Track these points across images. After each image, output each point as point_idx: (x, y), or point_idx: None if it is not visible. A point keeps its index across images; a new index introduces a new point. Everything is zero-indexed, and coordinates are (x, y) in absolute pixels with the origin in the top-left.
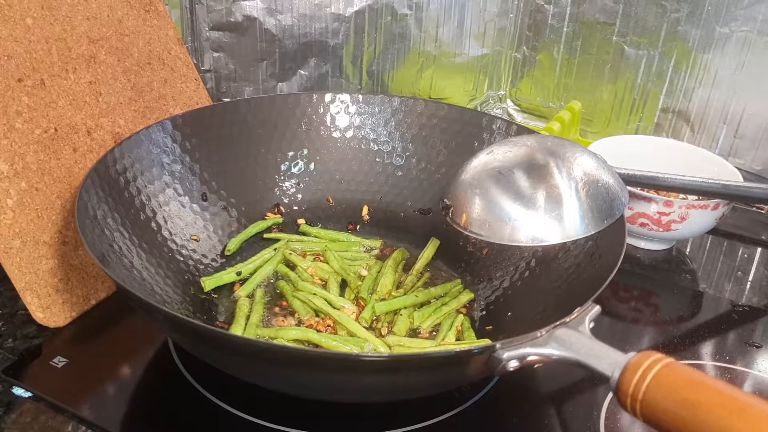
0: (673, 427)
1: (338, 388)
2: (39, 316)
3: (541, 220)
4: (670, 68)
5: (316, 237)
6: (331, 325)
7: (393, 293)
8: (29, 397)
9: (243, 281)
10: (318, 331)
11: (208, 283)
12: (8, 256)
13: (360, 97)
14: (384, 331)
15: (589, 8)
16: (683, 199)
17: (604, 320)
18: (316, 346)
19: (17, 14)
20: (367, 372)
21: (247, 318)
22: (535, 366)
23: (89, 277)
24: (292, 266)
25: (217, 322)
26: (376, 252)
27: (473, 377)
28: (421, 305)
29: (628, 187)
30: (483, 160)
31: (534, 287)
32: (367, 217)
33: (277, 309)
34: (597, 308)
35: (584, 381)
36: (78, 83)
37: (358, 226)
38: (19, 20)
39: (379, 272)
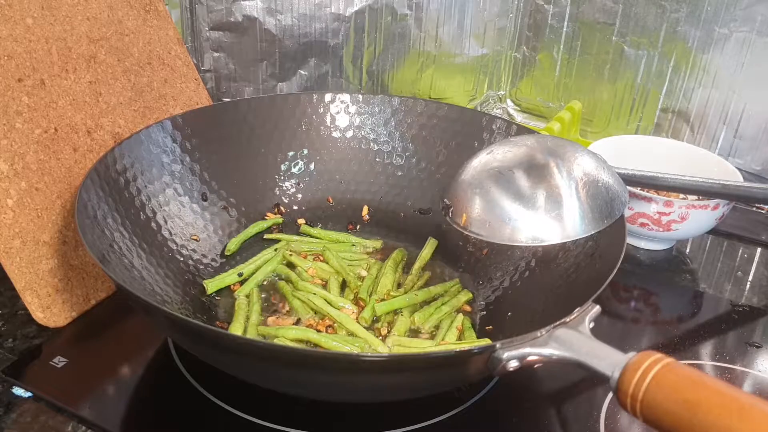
0: (673, 427)
1: (338, 388)
2: (39, 316)
3: (541, 220)
4: (670, 68)
5: (316, 237)
6: (331, 325)
7: (393, 293)
8: (29, 397)
9: (243, 281)
10: (318, 330)
11: (211, 285)
12: (8, 256)
13: (360, 97)
14: (384, 331)
15: (589, 8)
16: (683, 199)
17: (604, 320)
18: (316, 345)
19: (17, 14)
20: (367, 372)
21: (247, 318)
22: (535, 366)
23: (89, 277)
24: (292, 267)
25: (217, 322)
26: (375, 252)
27: (473, 377)
28: (421, 305)
29: (628, 187)
30: (483, 160)
31: (534, 287)
32: (367, 217)
33: (276, 309)
34: (597, 308)
35: (584, 381)
36: (78, 83)
37: (358, 226)
38: (19, 20)
39: (378, 272)
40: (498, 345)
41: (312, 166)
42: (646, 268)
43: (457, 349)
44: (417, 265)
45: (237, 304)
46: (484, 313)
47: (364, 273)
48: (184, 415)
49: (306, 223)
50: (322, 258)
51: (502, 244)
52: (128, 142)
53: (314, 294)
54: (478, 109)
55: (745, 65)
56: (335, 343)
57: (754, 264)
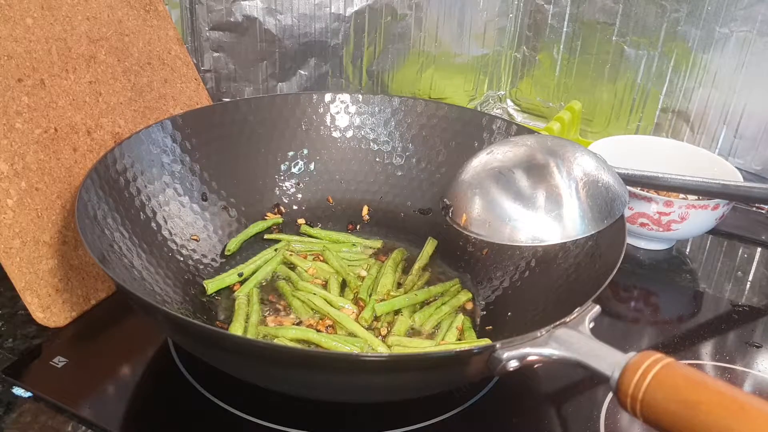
0: (673, 427)
1: (338, 388)
2: (39, 316)
3: (541, 220)
4: (670, 68)
5: (316, 237)
6: (331, 325)
7: (393, 293)
8: (29, 397)
9: (243, 281)
10: (318, 330)
11: (211, 285)
12: (8, 256)
13: (360, 97)
14: (384, 331)
15: (589, 8)
16: (683, 199)
17: (604, 320)
18: (316, 345)
19: (17, 14)
20: (367, 372)
21: (247, 318)
22: (535, 366)
23: (89, 277)
24: (292, 267)
25: (217, 322)
26: (376, 252)
27: (473, 377)
28: (421, 305)
29: (628, 187)
30: (483, 160)
31: (534, 287)
32: (367, 217)
33: (276, 309)
34: (597, 308)
35: (584, 381)
36: (78, 83)
37: (358, 226)
38: (19, 20)
39: (378, 272)
40: (498, 345)
41: (312, 166)
42: (646, 268)
43: (457, 349)
44: (417, 265)
45: (237, 304)
46: (484, 313)
47: (364, 273)
48: (184, 415)
49: (306, 223)
50: (322, 258)
51: (502, 244)
52: (128, 142)
53: (314, 294)
54: (478, 109)
55: (745, 65)
56: (335, 343)
57: (754, 264)
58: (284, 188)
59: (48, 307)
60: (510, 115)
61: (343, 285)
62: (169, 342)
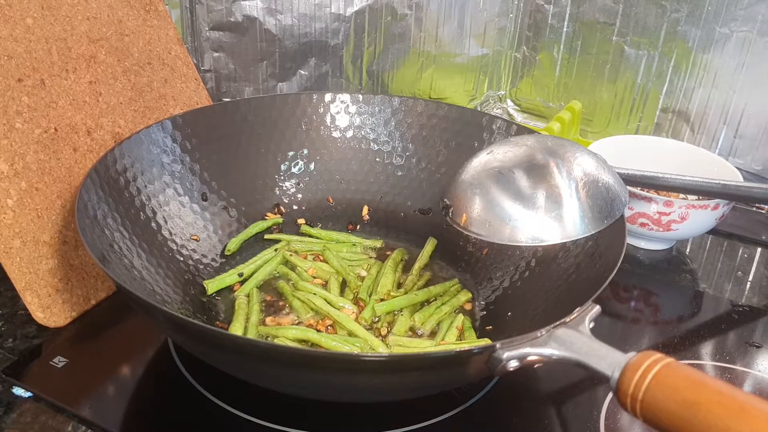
0: (673, 427)
1: (338, 388)
2: (39, 316)
3: (541, 220)
4: (670, 68)
5: (316, 237)
6: (331, 325)
7: (393, 293)
8: (29, 397)
9: (243, 281)
10: (318, 330)
11: (211, 285)
12: (8, 256)
13: (360, 97)
14: (384, 331)
15: (589, 8)
16: (683, 199)
17: (604, 320)
18: (316, 345)
19: (17, 14)
20: (367, 372)
21: (247, 318)
22: (535, 366)
23: (89, 277)
24: (292, 267)
25: (217, 322)
26: (376, 252)
27: (473, 377)
28: (421, 305)
29: (628, 187)
30: (483, 160)
31: (534, 287)
32: (367, 217)
33: (276, 309)
34: (597, 308)
35: (584, 381)
36: (78, 83)
37: (358, 226)
38: (19, 20)
39: (378, 272)
40: (498, 345)
41: (312, 166)
42: (646, 268)
43: (457, 349)
44: (417, 265)
45: (237, 304)
46: (484, 313)
47: (364, 273)
48: (184, 415)
49: (306, 223)
50: (322, 258)
51: (502, 244)
52: (128, 142)
53: (314, 294)
54: (478, 109)
55: (746, 65)
56: (335, 343)
57: (754, 264)
58: (284, 188)
59: (48, 307)
60: (510, 115)
61: (343, 285)
62: (169, 342)
